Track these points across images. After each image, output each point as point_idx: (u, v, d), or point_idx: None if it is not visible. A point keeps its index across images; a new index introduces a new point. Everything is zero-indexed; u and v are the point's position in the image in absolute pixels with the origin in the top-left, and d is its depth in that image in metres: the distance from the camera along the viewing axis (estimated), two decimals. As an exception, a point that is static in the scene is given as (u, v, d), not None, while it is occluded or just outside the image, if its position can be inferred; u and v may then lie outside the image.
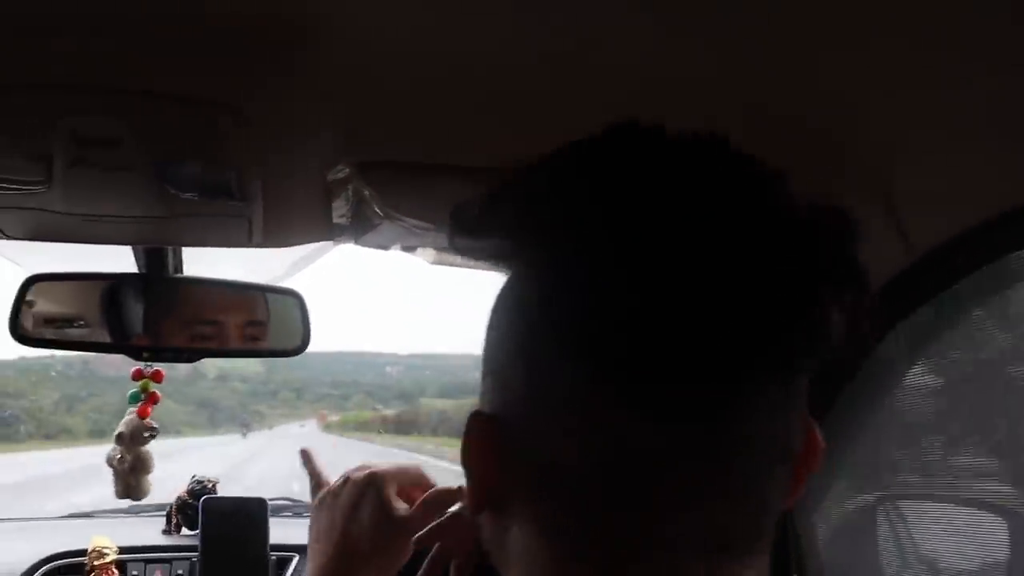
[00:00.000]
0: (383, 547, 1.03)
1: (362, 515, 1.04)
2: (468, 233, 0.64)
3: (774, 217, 0.56)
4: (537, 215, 0.59)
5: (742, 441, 0.56)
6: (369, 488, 1.05)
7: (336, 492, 1.08)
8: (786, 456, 0.59)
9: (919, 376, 1.35)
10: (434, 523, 0.99)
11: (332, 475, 1.10)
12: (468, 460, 0.64)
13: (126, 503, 2.25)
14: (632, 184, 0.56)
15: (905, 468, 1.45)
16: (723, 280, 0.53)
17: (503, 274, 0.64)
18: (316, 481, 1.14)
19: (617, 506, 0.57)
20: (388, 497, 1.05)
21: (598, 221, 0.56)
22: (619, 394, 0.55)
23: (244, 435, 59.13)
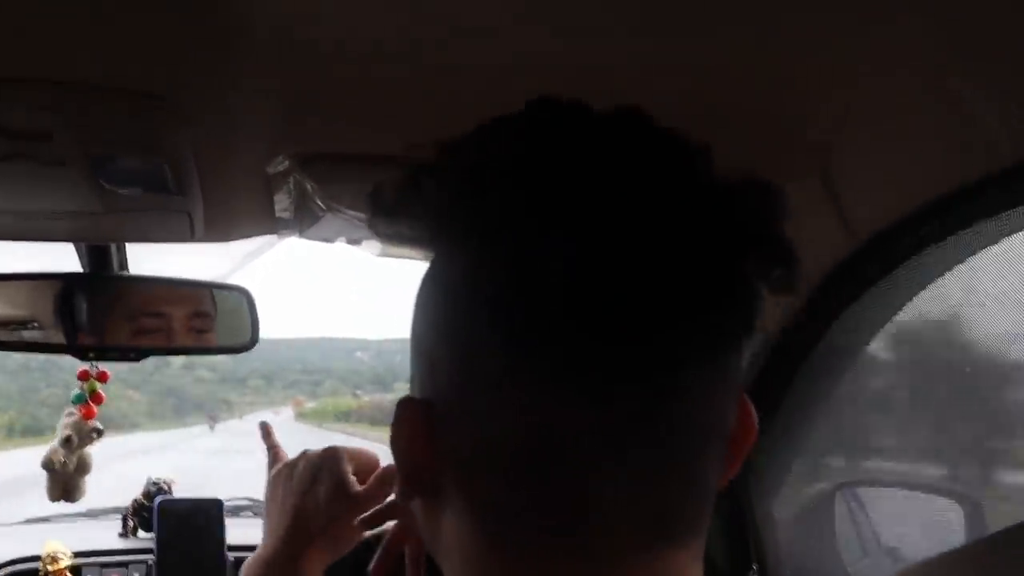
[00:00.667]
0: (337, 522, 1.03)
1: (317, 489, 1.04)
2: (387, 216, 0.63)
3: (698, 189, 0.55)
4: (459, 194, 0.58)
5: (677, 419, 0.55)
6: (326, 462, 1.06)
7: (292, 465, 1.09)
8: (721, 434, 0.59)
9: (870, 362, 1.35)
10: (388, 500, 1.01)
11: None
12: (399, 446, 0.62)
13: (84, 507, 2.23)
14: (554, 158, 0.55)
15: (862, 454, 1.45)
16: (649, 253, 0.53)
17: (424, 259, 0.63)
18: (274, 455, 1.14)
19: (550, 489, 0.55)
20: (344, 472, 1.05)
21: (520, 197, 0.55)
22: (549, 372, 0.54)
23: (212, 427, 56.56)
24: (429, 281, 0.62)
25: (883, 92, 0.96)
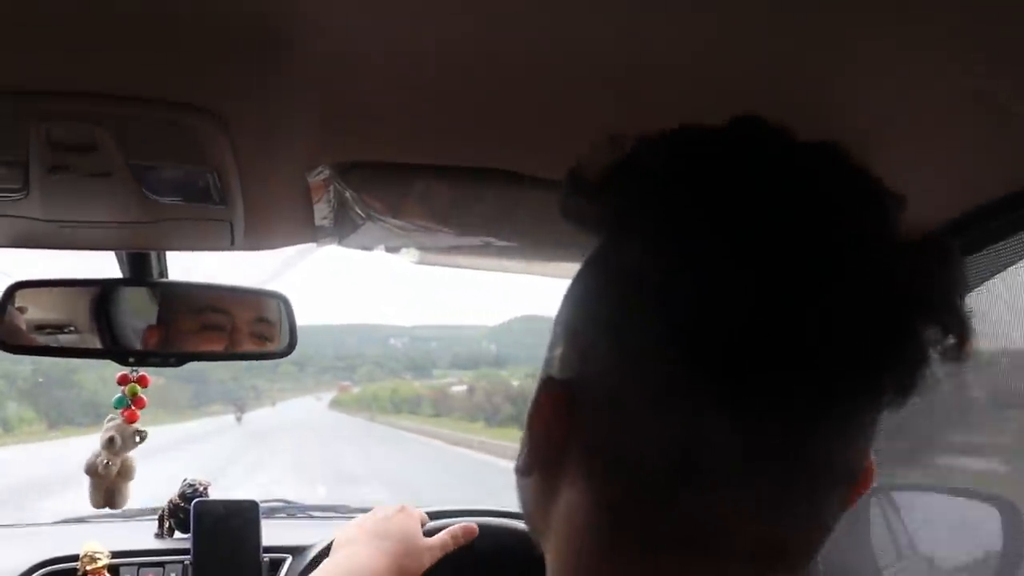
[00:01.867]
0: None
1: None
2: (585, 195, 0.63)
3: (890, 240, 0.56)
4: (661, 190, 0.58)
5: (819, 459, 0.56)
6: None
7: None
8: (850, 479, 0.59)
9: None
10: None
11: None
12: (537, 423, 0.63)
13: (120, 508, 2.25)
14: (757, 180, 0.56)
15: (896, 458, 1.45)
16: (833, 292, 0.53)
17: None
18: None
19: (683, 496, 0.56)
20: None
21: (720, 209, 0.55)
22: (708, 385, 0.54)
23: (238, 419, 47.42)
24: (597, 268, 0.63)
25: (917, 103, 0.95)
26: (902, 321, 0.54)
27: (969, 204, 1.03)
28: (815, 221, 0.54)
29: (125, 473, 1.93)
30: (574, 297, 0.65)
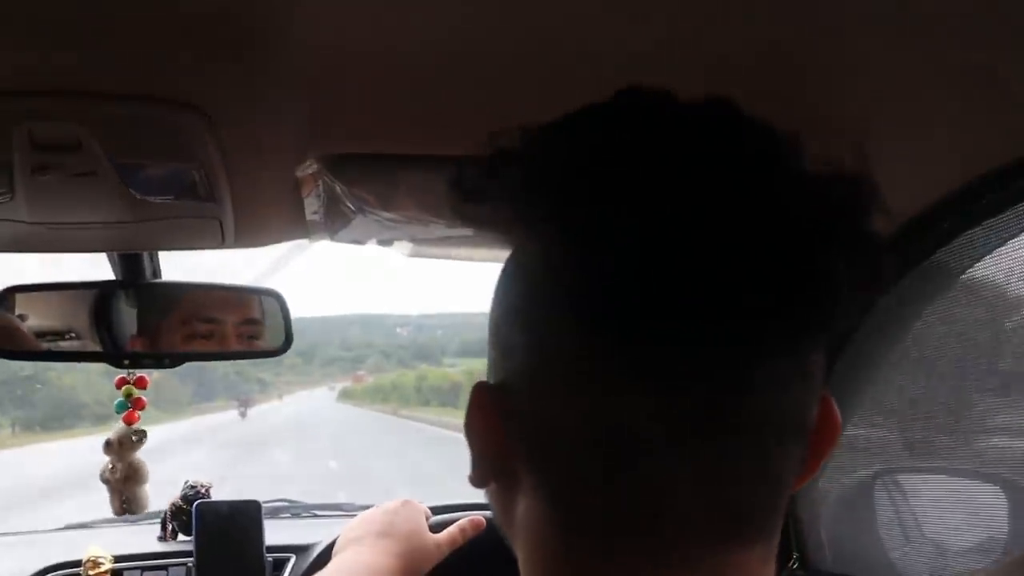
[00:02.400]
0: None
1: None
2: (470, 198, 0.62)
3: (785, 180, 0.54)
4: (541, 178, 0.57)
5: (754, 415, 0.55)
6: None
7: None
8: (799, 432, 0.58)
9: (910, 348, 1.34)
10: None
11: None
12: (473, 431, 0.63)
13: (122, 512, 2.24)
14: (641, 146, 0.55)
15: (902, 440, 1.43)
16: (734, 244, 0.52)
17: (500, 247, 0.63)
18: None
19: (621, 479, 0.55)
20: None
21: (605, 183, 0.54)
22: (625, 361, 0.53)
23: (242, 414, 45.50)
24: (508, 267, 0.63)
25: (919, 72, 0.94)
26: (806, 256, 0.52)
27: (969, 176, 1.02)
28: (700, 174, 0.53)
29: (134, 477, 1.91)
30: (496, 298, 0.64)
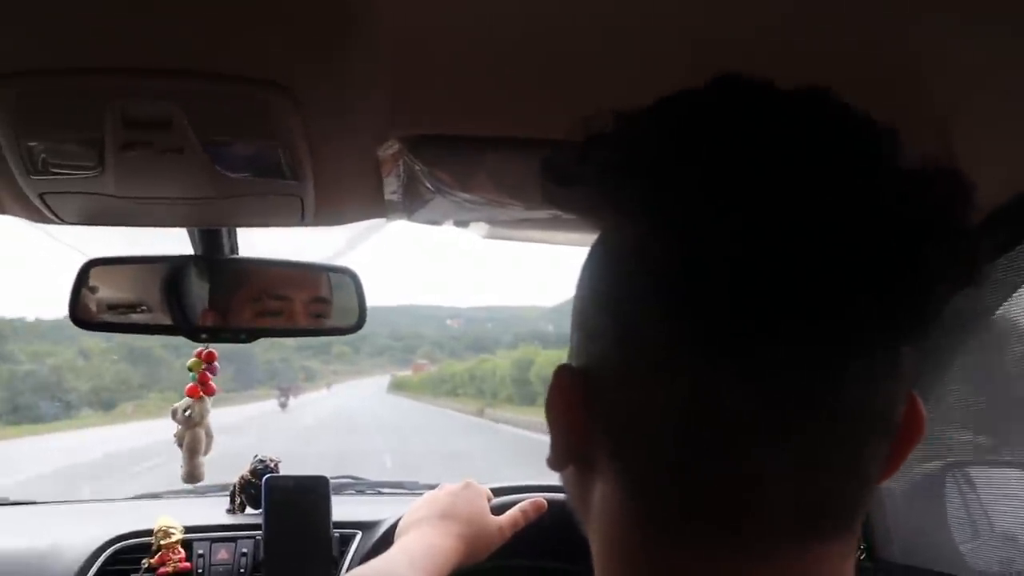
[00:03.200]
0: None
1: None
2: (561, 182, 0.62)
3: (884, 173, 0.54)
4: (637, 163, 0.57)
5: (846, 408, 0.54)
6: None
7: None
8: (887, 429, 0.57)
9: (987, 339, 1.32)
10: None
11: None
12: (553, 414, 0.63)
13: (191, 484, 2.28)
14: (739, 134, 0.54)
15: (974, 433, 1.42)
16: (833, 237, 0.51)
17: (580, 231, 0.63)
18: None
19: (706, 469, 0.55)
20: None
21: (702, 170, 0.54)
22: (715, 351, 0.53)
23: (283, 405, 42.38)
24: (595, 250, 0.63)
25: (1007, 61, 0.92)
26: (905, 252, 0.52)
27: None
28: (800, 165, 0.53)
29: (191, 449, 1.96)
30: (582, 281, 0.64)
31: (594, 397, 0.60)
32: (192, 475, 2.01)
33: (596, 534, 0.63)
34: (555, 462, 0.65)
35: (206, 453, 2.02)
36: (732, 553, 0.55)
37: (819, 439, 0.54)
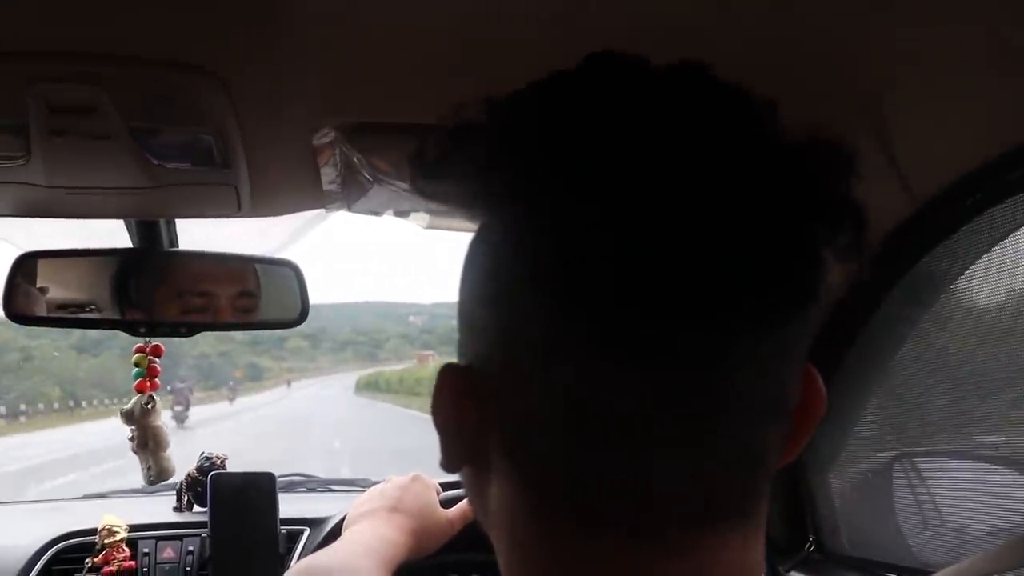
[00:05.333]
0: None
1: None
2: (431, 175, 0.60)
3: (762, 148, 0.52)
4: (505, 152, 0.55)
5: (729, 394, 0.52)
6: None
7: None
8: (781, 410, 0.56)
9: (932, 326, 1.32)
10: None
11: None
12: (442, 415, 0.61)
13: (138, 483, 2.25)
14: (610, 115, 0.52)
15: (922, 423, 1.42)
16: (711, 216, 0.50)
17: (472, 221, 0.61)
18: None
19: (595, 460, 0.53)
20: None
21: (571, 157, 0.52)
22: (597, 338, 0.51)
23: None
24: (474, 245, 0.60)
25: (942, 43, 0.92)
26: (782, 228, 0.51)
27: (990, 153, 1.00)
28: (673, 146, 0.51)
29: (153, 445, 1.92)
30: (464, 277, 0.62)
31: (482, 395, 0.58)
32: (165, 470, 1.96)
33: (496, 532, 0.62)
34: (448, 464, 0.63)
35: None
36: (627, 545, 0.54)
37: (706, 426, 0.53)
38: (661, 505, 0.53)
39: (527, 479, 0.57)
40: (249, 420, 33.11)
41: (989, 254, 1.13)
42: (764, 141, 0.53)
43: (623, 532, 0.54)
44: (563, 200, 0.52)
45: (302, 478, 2.47)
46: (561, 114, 0.54)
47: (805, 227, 0.51)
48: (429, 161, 0.60)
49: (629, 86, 0.54)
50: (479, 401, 0.58)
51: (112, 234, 1.62)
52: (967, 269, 1.18)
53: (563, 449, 0.54)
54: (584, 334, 0.51)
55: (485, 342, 0.58)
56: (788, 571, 1.57)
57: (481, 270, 0.59)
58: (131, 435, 1.93)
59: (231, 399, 47.37)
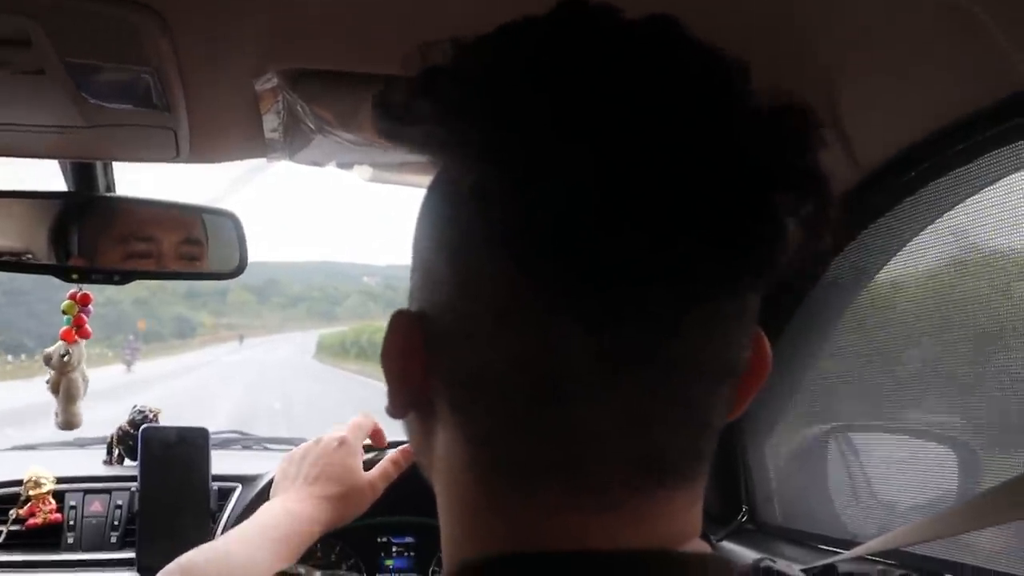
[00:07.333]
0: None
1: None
2: (395, 119, 0.58)
3: (737, 111, 0.51)
4: (473, 97, 0.53)
5: (681, 357, 0.52)
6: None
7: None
8: (730, 374, 0.55)
9: (872, 299, 1.33)
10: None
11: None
12: (391, 360, 0.60)
13: (71, 436, 2.22)
14: (578, 66, 0.51)
15: (858, 397, 1.43)
16: (675, 177, 0.48)
17: (434, 168, 0.60)
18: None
19: (544, 417, 0.53)
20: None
21: (539, 105, 0.50)
22: (553, 296, 0.50)
23: (128, 367, 33.99)
24: (435, 190, 0.59)
25: (891, 14, 0.92)
26: (748, 193, 0.50)
27: (937, 124, 1.00)
28: (644, 102, 0.50)
29: (66, 396, 1.90)
30: (421, 221, 0.60)
31: (433, 344, 0.57)
32: (69, 423, 1.95)
33: (440, 484, 0.61)
34: (394, 410, 0.62)
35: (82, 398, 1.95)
36: (574, 504, 0.54)
37: (657, 387, 0.52)
38: (609, 464, 0.53)
39: (475, 434, 0.56)
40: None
41: (932, 227, 1.14)
42: (737, 103, 0.52)
43: (568, 488, 0.54)
44: (530, 154, 0.50)
45: (237, 435, 2.45)
46: (532, 62, 0.52)
47: (772, 197, 0.50)
48: (396, 105, 0.58)
49: (603, 37, 0.53)
50: (429, 350, 0.57)
51: (44, 181, 1.58)
52: (912, 240, 1.18)
53: (512, 408, 0.54)
54: (542, 291, 0.51)
55: (441, 292, 0.57)
56: (720, 540, 1.58)
57: (441, 216, 0.58)
58: (48, 384, 1.91)
59: (128, 363, 39.88)
